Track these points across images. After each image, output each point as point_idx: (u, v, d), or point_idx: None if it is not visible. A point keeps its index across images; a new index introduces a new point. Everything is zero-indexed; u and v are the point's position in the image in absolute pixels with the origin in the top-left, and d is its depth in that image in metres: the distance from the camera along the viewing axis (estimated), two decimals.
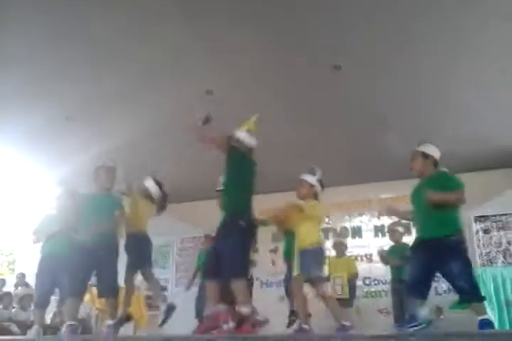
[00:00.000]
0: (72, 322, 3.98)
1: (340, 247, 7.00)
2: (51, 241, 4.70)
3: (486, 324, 3.49)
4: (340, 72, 5.20)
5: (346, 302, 6.23)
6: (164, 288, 9.22)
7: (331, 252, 6.82)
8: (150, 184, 4.75)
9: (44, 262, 4.74)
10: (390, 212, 4.69)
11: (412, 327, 3.64)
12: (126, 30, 4.64)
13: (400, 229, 6.63)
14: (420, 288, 3.77)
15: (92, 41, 4.75)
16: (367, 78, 5.37)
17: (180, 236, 9.13)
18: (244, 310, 3.36)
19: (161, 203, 4.78)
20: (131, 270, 4.56)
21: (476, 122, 6.47)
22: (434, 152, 4.04)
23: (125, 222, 4.47)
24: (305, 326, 4.14)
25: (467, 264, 3.67)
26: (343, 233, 8.38)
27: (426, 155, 4.01)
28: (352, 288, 6.58)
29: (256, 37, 4.74)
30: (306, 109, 6.03)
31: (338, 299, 6.17)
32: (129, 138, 5.96)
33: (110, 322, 4.10)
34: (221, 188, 4.04)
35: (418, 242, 3.89)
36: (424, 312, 3.73)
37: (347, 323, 4.06)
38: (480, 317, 3.53)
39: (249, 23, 4.56)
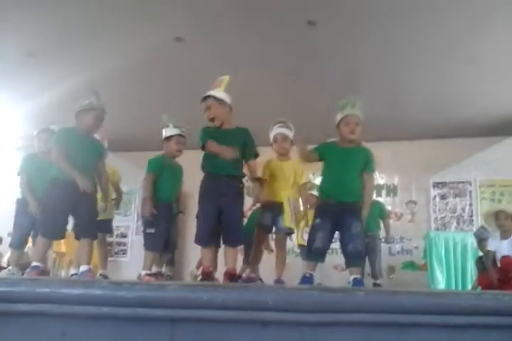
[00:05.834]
0: (37, 264, 3.73)
1: None
2: (30, 182, 4.40)
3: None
4: (316, 28, 5.09)
5: None
6: (124, 235, 9.31)
7: None
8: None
9: (22, 202, 4.47)
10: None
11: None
12: None
13: None
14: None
15: None
16: (342, 35, 5.27)
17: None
18: None
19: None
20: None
21: (438, 92, 6.53)
22: None
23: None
24: (253, 275, 4.27)
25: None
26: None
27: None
28: None
29: None
30: (280, 64, 5.92)
31: None
32: (92, 78, 5.73)
33: (85, 267, 3.74)
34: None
35: None
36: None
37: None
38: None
39: None
